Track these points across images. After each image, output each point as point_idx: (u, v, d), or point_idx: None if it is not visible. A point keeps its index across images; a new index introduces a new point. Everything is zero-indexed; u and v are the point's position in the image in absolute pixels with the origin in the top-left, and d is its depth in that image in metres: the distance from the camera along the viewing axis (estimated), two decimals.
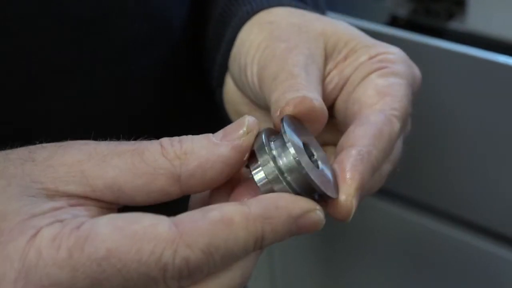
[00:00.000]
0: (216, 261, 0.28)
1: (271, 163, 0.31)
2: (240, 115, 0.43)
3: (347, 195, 0.32)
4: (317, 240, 0.93)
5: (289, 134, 0.31)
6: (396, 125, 0.35)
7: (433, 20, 0.74)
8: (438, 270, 0.81)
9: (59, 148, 0.31)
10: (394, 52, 0.39)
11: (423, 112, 0.73)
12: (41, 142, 0.32)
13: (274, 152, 0.31)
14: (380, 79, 0.37)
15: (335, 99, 0.40)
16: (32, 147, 0.31)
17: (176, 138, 0.31)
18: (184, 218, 0.28)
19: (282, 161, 0.31)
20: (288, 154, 0.31)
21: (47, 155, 0.30)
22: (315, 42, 0.39)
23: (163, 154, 0.30)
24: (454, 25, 0.73)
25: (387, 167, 0.38)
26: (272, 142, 0.31)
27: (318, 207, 0.30)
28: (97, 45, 0.44)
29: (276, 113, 0.34)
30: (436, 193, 0.77)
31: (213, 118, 0.57)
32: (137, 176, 0.30)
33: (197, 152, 0.30)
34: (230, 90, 0.45)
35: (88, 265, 0.27)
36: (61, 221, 0.28)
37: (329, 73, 0.39)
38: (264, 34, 0.41)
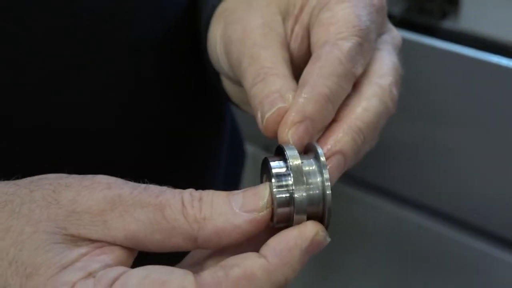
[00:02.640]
0: None
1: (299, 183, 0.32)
2: (247, 103, 0.43)
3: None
4: None
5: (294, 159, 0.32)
6: (344, 45, 0.35)
7: (427, 19, 0.74)
8: (434, 269, 0.81)
9: (83, 189, 0.31)
10: None
11: (416, 110, 0.73)
12: (68, 171, 0.33)
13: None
14: (326, 13, 0.37)
15: (309, 51, 0.40)
16: (56, 185, 0.32)
17: (197, 196, 0.31)
18: (208, 278, 0.29)
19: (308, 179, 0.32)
20: (315, 176, 0.32)
21: (72, 198, 0.31)
22: (267, 9, 0.39)
23: (183, 214, 0.31)
24: (448, 24, 0.73)
25: (386, 80, 0.37)
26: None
27: (320, 227, 0.31)
28: (110, 41, 0.44)
29: (261, 125, 0.35)
30: (432, 192, 0.77)
31: (216, 112, 0.57)
32: (157, 231, 0.30)
33: (215, 220, 0.31)
34: (227, 84, 0.46)
35: None
36: (92, 274, 0.29)
37: (292, 30, 0.39)
38: (221, 24, 0.41)
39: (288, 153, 0.32)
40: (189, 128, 0.53)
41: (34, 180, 0.32)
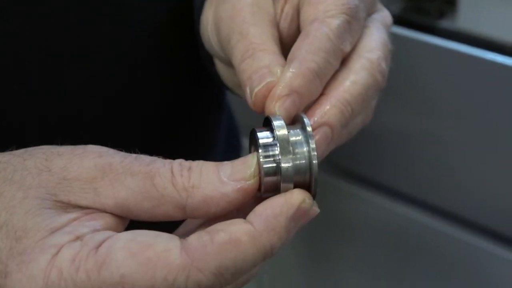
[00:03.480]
0: (227, 279, 0.29)
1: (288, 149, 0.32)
2: (239, 86, 0.44)
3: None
4: (306, 234, 0.93)
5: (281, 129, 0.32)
6: (333, 22, 0.36)
7: (424, 18, 0.74)
8: (427, 263, 0.81)
9: (75, 158, 0.32)
10: None
11: (413, 108, 0.74)
12: (61, 143, 0.33)
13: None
14: None
15: (298, 30, 0.40)
16: (48, 154, 0.32)
17: (186, 165, 0.32)
18: (193, 242, 0.29)
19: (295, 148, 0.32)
20: (302, 145, 0.32)
21: (63, 166, 0.31)
22: None
23: (172, 182, 0.31)
24: (445, 23, 0.73)
25: (375, 54, 0.38)
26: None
27: (306, 194, 0.32)
28: (112, 29, 0.44)
29: (249, 100, 0.35)
30: (425, 186, 0.77)
31: (214, 102, 0.57)
32: (146, 199, 0.31)
33: (204, 188, 0.31)
34: (220, 67, 0.46)
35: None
36: (80, 237, 0.29)
37: (282, 9, 0.40)
38: (213, 5, 0.42)
39: (275, 123, 0.32)
40: (186, 119, 0.54)
41: (28, 150, 0.33)
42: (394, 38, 0.43)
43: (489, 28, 0.69)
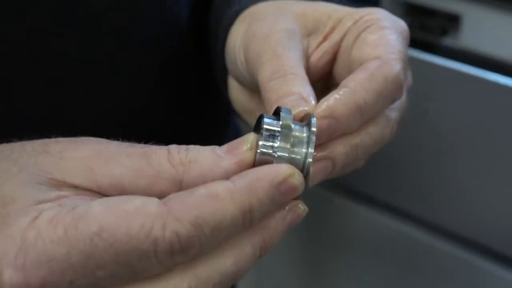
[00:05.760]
0: (206, 234, 0.29)
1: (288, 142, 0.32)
2: (249, 112, 0.44)
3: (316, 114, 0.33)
4: (301, 247, 0.93)
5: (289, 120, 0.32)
6: (395, 66, 0.36)
7: (427, 36, 0.74)
8: (418, 276, 0.82)
9: (72, 143, 0.32)
10: (376, 12, 0.40)
11: (414, 127, 0.74)
12: (56, 136, 0.33)
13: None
14: (370, 35, 0.38)
15: (328, 68, 0.41)
16: (47, 141, 0.33)
17: (183, 146, 0.32)
18: (172, 196, 0.29)
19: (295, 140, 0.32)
20: (302, 140, 0.32)
21: (60, 149, 0.32)
22: (295, 22, 0.41)
23: (168, 159, 0.31)
24: (448, 41, 0.73)
25: (394, 114, 0.38)
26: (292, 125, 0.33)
27: (296, 171, 0.31)
28: (112, 43, 0.44)
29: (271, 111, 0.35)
30: (421, 202, 0.78)
31: (221, 116, 0.57)
32: (141, 177, 0.31)
33: (201, 162, 0.31)
34: (235, 90, 0.46)
35: (82, 240, 0.28)
36: (61, 205, 0.29)
37: (319, 45, 0.40)
38: (246, 23, 0.42)
39: (283, 114, 0.32)
40: (191, 131, 0.54)
41: (28, 141, 0.33)
42: None
43: (493, 46, 0.69)
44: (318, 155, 0.34)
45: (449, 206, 0.75)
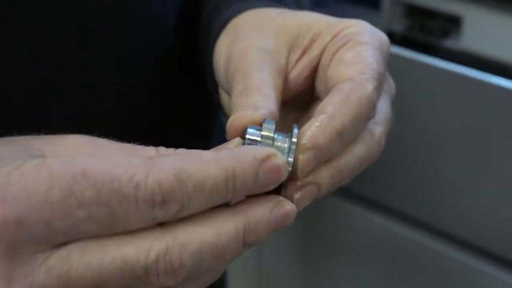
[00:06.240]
0: (188, 190, 0.29)
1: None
2: None
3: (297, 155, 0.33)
4: (304, 245, 0.93)
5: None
6: (368, 87, 0.36)
7: (428, 37, 0.74)
8: (422, 283, 0.81)
9: (65, 135, 0.33)
10: (355, 24, 0.40)
11: (414, 129, 0.73)
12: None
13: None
14: (347, 52, 0.38)
15: (309, 82, 0.41)
16: (40, 135, 0.33)
17: (172, 148, 0.32)
18: (158, 154, 0.31)
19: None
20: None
21: (53, 137, 0.32)
22: (275, 38, 0.40)
23: (157, 152, 0.32)
24: (449, 43, 0.73)
25: (378, 129, 0.38)
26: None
27: (279, 153, 0.32)
28: (100, 50, 0.44)
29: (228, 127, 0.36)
30: (421, 205, 0.78)
31: (209, 120, 0.57)
32: (131, 166, 0.30)
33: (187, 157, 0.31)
34: (225, 99, 0.46)
35: (64, 178, 0.28)
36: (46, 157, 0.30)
37: (298, 60, 0.40)
38: (228, 40, 0.42)
39: (265, 124, 0.34)
40: (179, 135, 0.54)
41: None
42: (396, 59, 0.43)
43: (494, 48, 0.69)
44: (302, 181, 0.34)
45: (447, 208, 0.75)
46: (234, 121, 0.35)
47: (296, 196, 0.34)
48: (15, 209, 0.28)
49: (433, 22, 0.74)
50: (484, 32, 0.69)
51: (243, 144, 0.33)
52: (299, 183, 0.34)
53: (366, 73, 0.37)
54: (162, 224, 0.29)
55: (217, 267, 0.31)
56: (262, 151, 0.31)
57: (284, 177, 0.32)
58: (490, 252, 0.74)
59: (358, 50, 0.38)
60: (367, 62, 0.37)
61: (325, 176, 0.35)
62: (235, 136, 0.35)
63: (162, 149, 0.32)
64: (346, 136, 0.35)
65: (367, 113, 0.36)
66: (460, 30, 0.71)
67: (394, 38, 0.75)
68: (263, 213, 0.32)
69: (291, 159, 0.33)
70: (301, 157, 0.33)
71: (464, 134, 0.70)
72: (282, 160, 0.31)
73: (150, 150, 0.32)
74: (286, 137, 0.34)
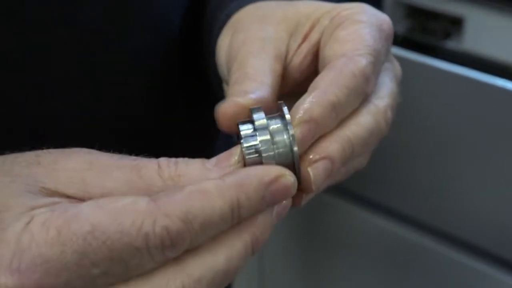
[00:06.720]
0: (195, 229, 0.29)
1: (268, 136, 0.33)
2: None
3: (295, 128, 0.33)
4: (304, 245, 0.93)
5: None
6: (361, 61, 0.36)
7: (430, 39, 0.74)
8: (421, 284, 0.81)
9: (64, 154, 0.33)
10: (355, 6, 0.40)
11: (416, 130, 0.73)
12: (48, 148, 0.34)
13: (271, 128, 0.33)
14: (342, 31, 0.38)
15: (313, 69, 0.40)
16: (39, 152, 0.33)
17: (173, 160, 0.32)
18: (161, 194, 0.30)
19: (276, 136, 0.33)
20: (281, 133, 0.33)
21: (53, 160, 0.32)
22: (276, 27, 0.41)
23: (159, 173, 0.32)
24: (451, 44, 0.73)
25: (383, 101, 0.38)
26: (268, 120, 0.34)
27: (288, 172, 0.31)
28: (102, 52, 0.44)
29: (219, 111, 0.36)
30: (421, 205, 0.78)
31: (212, 124, 0.57)
32: (133, 189, 0.31)
33: (190, 175, 0.31)
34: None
35: (75, 240, 0.28)
36: (52, 210, 0.30)
37: (299, 46, 0.40)
38: (229, 34, 0.42)
39: (254, 115, 0.33)
40: (182, 139, 0.54)
41: (20, 153, 0.34)
42: (398, 60, 0.43)
43: (496, 49, 0.69)
44: (314, 157, 0.34)
45: (447, 208, 0.75)
46: (222, 110, 0.35)
47: (311, 173, 0.33)
48: (33, 278, 0.28)
49: (435, 23, 0.74)
50: (486, 33, 0.69)
51: (242, 146, 0.32)
52: (311, 157, 0.34)
53: (359, 49, 0.37)
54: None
55: (226, 282, 0.32)
56: (269, 172, 0.31)
57: (293, 193, 0.32)
58: (490, 253, 0.74)
59: (353, 28, 0.38)
60: (361, 38, 0.37)
61: (336, 149, 0.35)
62: (226, 125, 0.35)
63: (163, 163, 0.32)
64: (341, 110, 0.35)
65: (362, 86, 0.36)
66: (462, 31, 0.71)
67: (396, 39, 0.75)
68: (266, 220, 0.32)
69: (291, 132, 0.33)
70: (298, 131, 0.33)
71: (466, 136, 0.70)
72: (290, 179, 0.31)
73: (152, 167, 0.32)
74: (277, 118, 0.34)
